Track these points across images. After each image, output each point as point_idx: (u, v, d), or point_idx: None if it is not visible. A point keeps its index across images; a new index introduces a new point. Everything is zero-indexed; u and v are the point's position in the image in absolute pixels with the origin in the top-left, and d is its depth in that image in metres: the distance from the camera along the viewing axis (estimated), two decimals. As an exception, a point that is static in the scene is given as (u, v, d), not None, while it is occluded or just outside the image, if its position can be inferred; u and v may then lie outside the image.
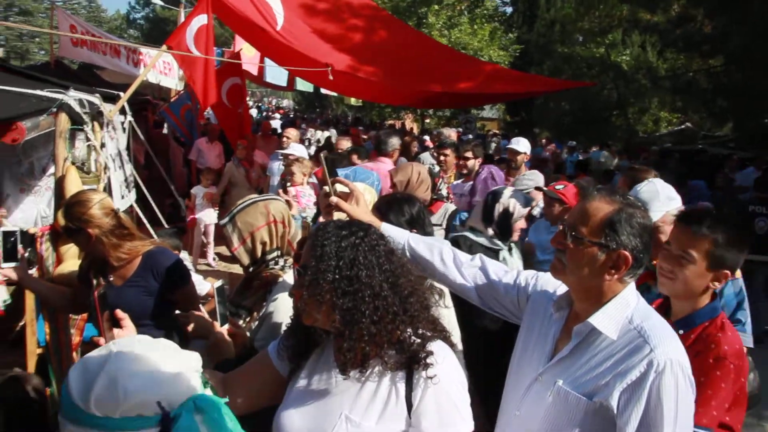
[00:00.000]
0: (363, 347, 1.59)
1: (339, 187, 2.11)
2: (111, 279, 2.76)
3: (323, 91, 16.80)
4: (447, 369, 1.65)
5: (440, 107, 18.23)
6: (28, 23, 36.42)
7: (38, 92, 2.99)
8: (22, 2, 43.84)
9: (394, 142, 6.03)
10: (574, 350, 1.78)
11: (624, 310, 1.74)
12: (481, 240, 3.45)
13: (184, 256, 5.82)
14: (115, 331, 1.84)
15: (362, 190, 2.91)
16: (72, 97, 3.08)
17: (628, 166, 5.30)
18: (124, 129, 6.79)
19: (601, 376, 1.70)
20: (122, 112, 6.64)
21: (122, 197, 5.43)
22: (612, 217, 1.72)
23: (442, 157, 6.23)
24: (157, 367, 1.00)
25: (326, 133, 16.87)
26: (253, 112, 27.44)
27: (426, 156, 7.90)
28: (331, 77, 6.86)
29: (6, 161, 5.40)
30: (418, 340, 1.65)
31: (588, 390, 1.71)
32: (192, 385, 1.02)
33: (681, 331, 2.16)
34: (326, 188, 2.05)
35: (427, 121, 25.34)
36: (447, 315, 2.60)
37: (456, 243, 2.28)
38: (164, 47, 6.08)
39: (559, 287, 1.93)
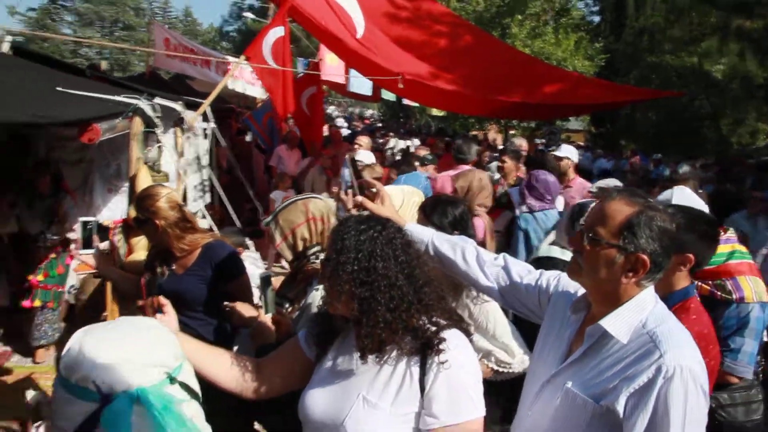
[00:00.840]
0: (379, 333, 1.70)
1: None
2: (173, 267, 3.01)
3: (405, 101, 17.04)
4: (459, 356, 1.73)
5: (521, 118, 18.03)
6: (131, 37, 38.90)
7: (115, 97, 3.31)
8: (126, 18, 46.87)
9: (473, 150, 6.13)
10: (585, 353, 1.78)
11: (639, 314, 1.73)
12: (567, 257, 3.36)
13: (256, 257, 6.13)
14: (158, 316, 2.03)
15: (410, 192, 3.04)
16: (146, 102, 3.37)
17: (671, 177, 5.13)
18: (206, 135, 7.21)
19: (609, 379, 1.69)
20: (206, 119, 7.08)
21: (194, 200, 5.77)
22: (631, 219, 1.70)
23: (501, 164, 6.29)
24: (112, 352, 1.14)
25: (408, 143, 17.08)
26: (341, 121, 28.10)
27: (493, 165, 7.91)
28: (401, 86, 7.02)
29: (97, 164, 5.88)
30: (433, 328, 1.74)
31: (596, 393, 1.71)
32: (139, 379, 1.13)
33: None
34: (354, 188, 2.16)
35: (512, 132, 25.05)
36: (492, 309, 2.67)
37: (540, 264, 2.33)
38: (242, 57, 6.44)
39: (580, 289, 1.93)
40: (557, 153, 6.38)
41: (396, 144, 17.05)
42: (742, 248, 3.09)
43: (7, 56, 5.02)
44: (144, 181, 3.26)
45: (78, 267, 4.82)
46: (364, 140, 7.48)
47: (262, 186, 10.80)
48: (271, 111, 10.92)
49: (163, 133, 3.77)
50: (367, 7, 8.12)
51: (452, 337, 1.75)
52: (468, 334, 1.86)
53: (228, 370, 1.93)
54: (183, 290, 2.87)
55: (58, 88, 3.16)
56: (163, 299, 1.93)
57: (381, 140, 16.85)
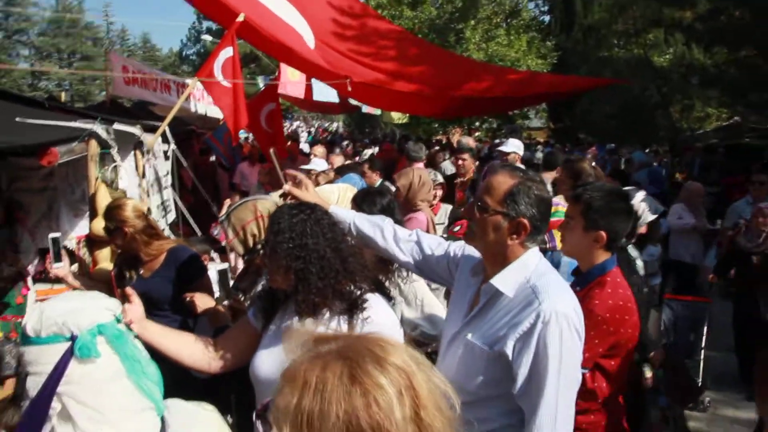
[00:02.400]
0: (313, 299, 2.04)
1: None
2: (141, 272, 3.30)
3: (366, 109, 17.37)
4: (378, 312, 2.07)
5: (476, 113, 18.47)
6: (89, 67, 38.79)
7: (71, 123, 3.59)
8: (84, 48, 46.64)
9: (422, 151, 6.64)
10: (482, 309, 2.06)
11: (524, 271, 2.00)
12: None
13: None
14: (126, 305, 2.32)
15: (344, 188, 3.38)
16: (100, 126, 3.65)
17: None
18: (167, 156, 7.46)
19: (500, 329, 1.96)
20: (166, 140, 7.33)
21: (158, 219, 6.02)
22: (512, 189, 2.00)
23: (459, 162, 6.67)
24: (68, 305, 1.47)
25: (370, 151, 17.49)
26: (304, 136, 28.32)
27: (447, 164, 8.32)
28: (349, 88, 7.37)
29: (61, 191, 6.09)
30: (357, 292, 2.07)
31: (490, 341, 1.98)
32: (96, 318, 1.46)
33: (578, 288, 2.52)
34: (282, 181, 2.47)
35: (477, 134, 25.55)
36: (419, 286, 3.01)
37: None
38: (195, 79, 6.72)
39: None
40: (503, 148, 6.78)
41: (372, 154, 17.57)
42: (563, 209, 3.49)
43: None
44: (103, 198, 3.54)
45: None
46: (318, 150, 7.83)
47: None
48: (225, 131, 11.17)
49: (118, 153, 4.03)
50: (316, 26, 8.47)
51: (372, 298, 2.08)
52: (388, 297, 2.20)
53: (188, 347, 2.23)
54: (150, 291, 3.16)
55: (17, 119, 3.43)
56: (129, 290, 2.22)
57: (350, 150, 17.20)
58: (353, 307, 2.03)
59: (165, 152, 7.54)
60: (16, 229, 5.52)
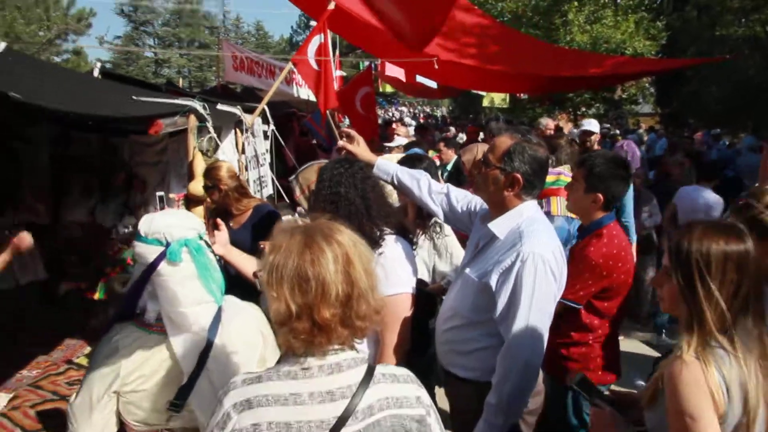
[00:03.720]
0: None
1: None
2: (231, 224, 3.93)
3: (473, 92, 17.59)
4: (392, 249, 2.51)
5: (569, 90, 18.18)
6: (207, 55, 41.45)
7: (175, 101, 4.27)
8: (202, 37, 49.57)
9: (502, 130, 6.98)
10: (481, 249, 2.48)
11: (516, 219, 2.39)
12: None
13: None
14: (216, 232, 2.94)
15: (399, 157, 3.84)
16: (198, 104, 4.31)
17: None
18: (266, 136, 8.20)
19: (489, 264, 2.36)
20: (266, 121, 8.07)
21: (254, 193, 6.71)
22: (510, 148, 2.40)
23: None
24: (169, 220, 2.09)
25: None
26: (409, 120, 28.94)
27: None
28: (436, 66, 7.77)
29: (172, 164, 6.93)
30: (378, 233, 2.53)
31: (479, 274, 2.39)
32: (184, 234, 2.08)
33: (579, 240, 2.93)
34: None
35: (585, 120, 24.92)
36: (450, 241, 3.44)
37: None
38: (290, 64, 7.39)
39: None
40: (587, 128, 6.95)
41: (463, 137, 17.89)
42: (567, 178, 3.88)
43: (96, 78, 6.14)
44: (198, 163, 4.20)
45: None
46: (401, 129, 8.29)
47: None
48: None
49: (214, 127, 4.69)
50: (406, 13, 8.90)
51: (389, 238, 2.53)
52: (410, 241, 2.65)
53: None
54: (237, 240, 3.78)
55: (133, 97, 4.14)
56: (219, 220, 2.86)
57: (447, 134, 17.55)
58: (372, 244, 2.46)
59: (265, 132, 8.27)
60: (132, 195, 6.38)
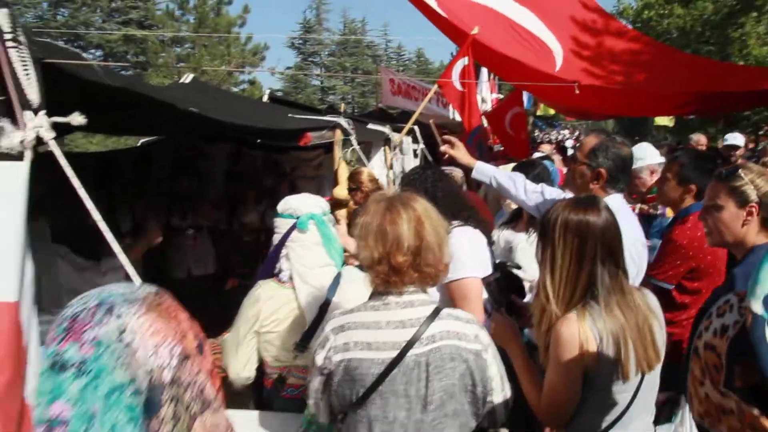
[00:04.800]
0: None
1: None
2: None
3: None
4: (460, 235, 2.79)
5: (735, 109, 16.85)
6: (369, 81, 43.67)
7: (323, 117, 4.88)
8: (365, 65, 52.18)
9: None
10: None
11: None
12: None
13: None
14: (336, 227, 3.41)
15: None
16: (343, 120, 4.87)
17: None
18: (416, 154, 8.70)
19: None
20: (416, 140, 8.58)
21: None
22: (595, 146, 2.67)
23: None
24: (298, 200, 2.63)
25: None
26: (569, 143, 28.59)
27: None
28: (577, 91, 7.78)
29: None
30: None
31: None
32: (311, 210, 2.60)
33: (669, 228, 3.13)
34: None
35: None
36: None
37: None
38: (435, 86, 7.85)
39: None
40: (731, 142, 6.70)
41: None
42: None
43: (264, 102, 7.02)
44: (343, 171, 4.74)
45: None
46: (545, 148, 8.42)
47: (476, 198, 12.02)
48: (480, 133, 12.16)
49: (364, 143, 5.23)
50: (559, 35, 8.98)
51: (458, 227, 2.83)
52: (482, 231, 2.93)
53: None
54: None
55: (289, 115, 4.79)
56: (337, 213, 3.36)
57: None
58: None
59: (414, 150, 8.76)
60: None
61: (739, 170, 2.16)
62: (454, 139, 3.26)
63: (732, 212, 2.14)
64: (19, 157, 1.70)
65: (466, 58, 7.68)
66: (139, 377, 0.91)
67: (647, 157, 4.82)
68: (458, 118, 12.84)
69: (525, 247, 3.68)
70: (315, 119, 4.82)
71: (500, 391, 1.97)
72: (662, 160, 4.80)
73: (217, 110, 3.76)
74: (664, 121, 20.74)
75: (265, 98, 7.67)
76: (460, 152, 3.24)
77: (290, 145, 6.63)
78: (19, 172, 1.66)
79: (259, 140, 6.87)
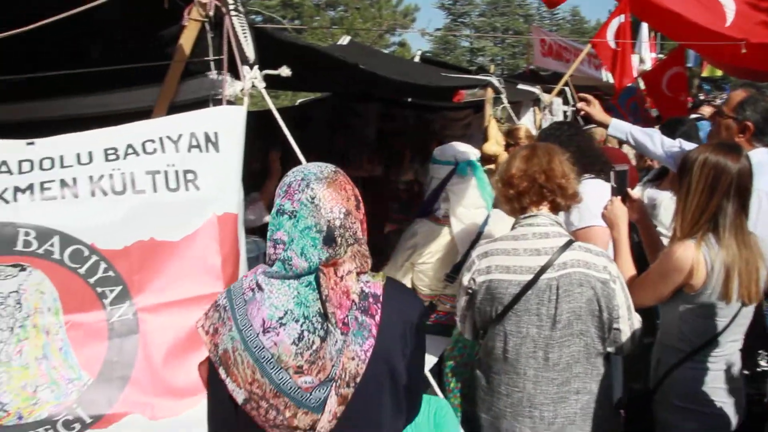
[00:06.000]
0: None
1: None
2: None
3: None
4: (590, 187, 2.91)
5: None
6: (519, 42, 42.59)
7: (476, 76, 5.12)
8: (516, 25, 50.79)
9: None
10: None
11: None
12: None
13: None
14: None
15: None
16: (495, 78, 5.08)
17: None
18: (566, 116, 8.67)
19: None
20: (566, 102, 8.55)
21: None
22: (743, 99, 2.75)
23: None
24: (455, 147, 2.94)
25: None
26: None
27: None
28: (744, 50, 7.27)
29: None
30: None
31: None
32: (468, 157, 2.92)
33: None
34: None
35: None
36: None
37: None
38: (588, 47, 7.72)
39: None
40: None
41: None
42: None
43: (416, 62, 7.35)
44: (493, 128, 4.95)
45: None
46: (705, 110, 8.00)
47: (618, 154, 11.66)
48: (634, 95, 11.64)
49: (514, 103, 5.41)
50: None
51: (589, 179, 2.97)
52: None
53: None
54: None
55: (442, 73, 5.08)
56: None
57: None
58: None
59: (564, 112, 8.74)
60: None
61: None
62: (589, 96, 3.39)
63: None
64: (238, 102, 2.17)
65: (623, 16, 7.46)
66: (320, 223, 1.54)
67: None
68: (611, 80, 12.45)
69: (669, 205, 3.70)
70: (467, 78, 5.08)
71: (626, 320, 2.22)
72: None
73: (376, 67, 4.13)
74: None
75: (417, 59, 8.00)
76: (596, 109, 3.36)
77: (440, 105, 6.91)
78: (240, 114, 2.14)
79: (409, 99, 7.22)
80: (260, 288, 1.53)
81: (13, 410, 1.85)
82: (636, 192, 3.01)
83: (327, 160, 1.69)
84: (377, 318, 1.52)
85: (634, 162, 6.41)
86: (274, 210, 1.59)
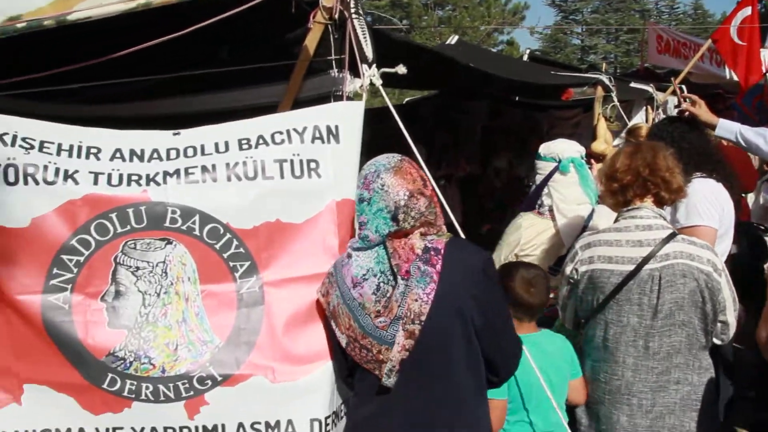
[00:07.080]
0: None
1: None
2: None
3: None
4: (700, 185, 2.94)
5: None
6: (634, 39, 40.82)
7: (586, 75, 5.09)
8: (632, 21, 48.64)
9: None
10: None
11: None
12: None
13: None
14: None
15: None
16: (605, 77, 5.04)
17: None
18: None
19: None
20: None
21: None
22: None
23: None
24: (561, 144, 3.04)
25: None
26: None
27: None
28: None
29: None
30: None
31: None
32: (571, 154, 3.02)
33: None
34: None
35: None
36: None
37: None
38: (709, 42, 7.37)
39: None
40: None
41: None
42: None
43: (525, 61, 7.35)
44: (601, 126, 4.92)
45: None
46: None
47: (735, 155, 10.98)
48: (761, 94, 10.94)
49: (626, 101, 5.33)
50: None
51: (700, 178, 2.92)
52: (728, 185, 3.00)
53: None
54: None
55: (551, 72, 5.09)
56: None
57: None
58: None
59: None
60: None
61: None
62: (695, 96, 3.31)
63: None
64: (357, 98, 2.37)
65: (749, 7, 7.11)
66: (389, 205, 1.92)
67: None
68: (735, 77, 11.76)
69: None
70: (576, 76, 5.07)
71: (732, 312, 2.22)
72: None
73: (485, 65, 4.22)
74: None
75: (525, 57, 7.98)
76: (701, 110, 3.25)
77: (549, 103, 6.88)
78: (359, 109, 2.32)
79: (517, 98, 7.23)
80: (349, 256, 2.00)
81: (158, 364, 2.14)
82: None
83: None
84: (438, 267, 1.82)
85: (756, 164, 6.12)
86: (356, 198, 2.07)
